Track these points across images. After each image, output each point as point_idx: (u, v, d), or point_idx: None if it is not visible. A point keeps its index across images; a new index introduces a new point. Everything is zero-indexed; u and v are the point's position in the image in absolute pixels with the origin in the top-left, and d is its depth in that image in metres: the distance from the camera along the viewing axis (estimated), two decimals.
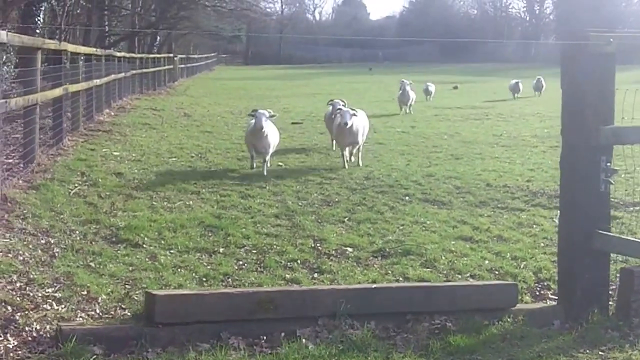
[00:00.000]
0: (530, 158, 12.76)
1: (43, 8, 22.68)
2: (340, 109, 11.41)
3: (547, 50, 72.80)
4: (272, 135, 10.65)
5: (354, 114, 11.05)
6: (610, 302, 5.38)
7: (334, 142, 12.44)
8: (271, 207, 8.33)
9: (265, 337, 4.66)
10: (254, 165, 10.83)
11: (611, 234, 5.41)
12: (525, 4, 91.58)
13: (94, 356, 4.24)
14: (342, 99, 13.48)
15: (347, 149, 11.37)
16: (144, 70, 27.06)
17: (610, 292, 5.47)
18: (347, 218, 7.99)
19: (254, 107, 22.39)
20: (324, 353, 4.50)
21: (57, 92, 11.04)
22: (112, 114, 17.50)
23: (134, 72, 24.00)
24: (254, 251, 6.65)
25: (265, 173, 10.29)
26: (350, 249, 6.81)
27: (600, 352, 4.72)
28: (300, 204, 8.61)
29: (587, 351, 4.73)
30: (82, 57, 14.03)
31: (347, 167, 11.05)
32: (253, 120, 10.46)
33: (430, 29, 77.51)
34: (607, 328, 5.06)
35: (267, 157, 10.54)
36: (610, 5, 67.82)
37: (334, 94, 30.26)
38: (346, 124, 10.80)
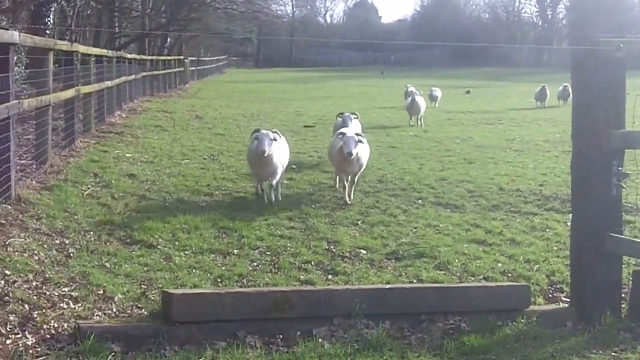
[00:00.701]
0: (543, 162, 12.75)
1: (53, 9, 22.66)
2: (342, 133, 8.99)
3: (559, 55, 72.63)
4: (280, 158, 8.80)
5: (360, 141, 8.81)
6: (622, 304, 5.40)
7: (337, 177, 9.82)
8: (285, 210, 8.35)
9: (281, 336, 4.70)
10: (260, 191, 9.07)
11: (623, 236, 5.44)
12: (538, 8, 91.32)
13: (112, 353, 4.27)
14: (354, 112, 12.29)
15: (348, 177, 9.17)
16: (155, 72, 27.14)
17: (622, 295, 5.48)
18: (360, 221, 8.02)
19: (266, 109, 22.60)
20: (339, 352, 4.54)
21: (70, 93, 11.08)
22: (124, 116, 17.56)
23: (144, 74, 24.08)
24: (268, 253, 6.68)
25: (272, 200, 8.68)
26: (363, 251, 6.83)
27: (612, 353, 4.75)
28: (313, 206, 8.62)
29: (600, 352, 4.75)
30: (93, 59, 14.08)
31: (349, 201, 8.88)
32: (255, 142, 8.55)
33: (442, 33, 77.45)
34: (620, 329, 5.09)
35: (274, 182, 8.74)
36: (624, 10, 67.58)
37: (346, 97, 30.33)
38: (350, 154, 8.55)
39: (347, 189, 8.98)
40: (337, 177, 9.62)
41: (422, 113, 19.29)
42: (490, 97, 32.50)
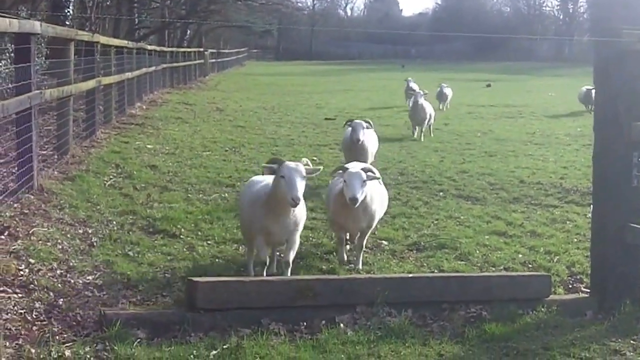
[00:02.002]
0: (564, 156, 12.72)
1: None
2: (344, 168, 6.12)
3: (580, 49, 72.10)
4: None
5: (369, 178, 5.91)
6: None
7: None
8: (306, 201, 8.33)
9: (305, 324, 4.73)
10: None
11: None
12: (559, 2, 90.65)
13: (138, 340, 4.31)
14: (368, 119, 9.74)
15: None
16: (175, 64, 27.20)
17: None
18: None
19: (287, 102, 22.60)
20: (362, 339, 4.58)
21: (91, 84, 11.14)
22: (144, 107, 17.63)
23: (164, 66, 24.14)
24: None
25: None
26: (385, 242, 6.83)
27: (631, 342, 4.77)
28: None
29: (619, 340, 4.77)
30: (114, 50, 14.12)
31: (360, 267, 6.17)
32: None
33: (463, 26, 77.07)
34: (639, 318, 5.10)
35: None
36: None
37: (367, 91, 30.27)
38: (354, 199, 5.76)
39: (355, 253, 6.29)
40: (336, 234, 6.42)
41: (431, 121, 14.91)
42: (511, 90, 32.31)
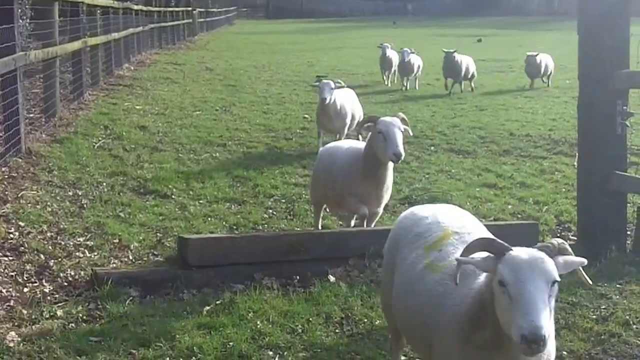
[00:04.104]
0: (553, 108, 12.75)
1: None
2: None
3: (569, 2, 71.60)
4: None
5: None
6: (627, 240, 5.52)
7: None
8: (299, 158, 8.33)
9: (297, 277, 4.74)
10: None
11: (628, 174, 5.54)
12: None
13: (130, 298, 4.29)
14: (339, 80, 8.73)
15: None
16: (163, 24, 26.84)
17: (628, 232, 5.61)
18: None
19: (277, 61, 22.39)
20: (355, 291, 4.58)
21: (77, 45, 10.96)
22: (132, 68, 17.43)
23: (152, 26, 23.82)
24: (283, 200, 6.68)
25: None
26: None
27: (617, 285, 4.86)
28: None
29: (606, 284, 4.85)
30: (99, 10, 13.87)
31: None
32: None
33: None
34: (625, 263, 5.19)
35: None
36: None
37: (359, 48, 30.02)
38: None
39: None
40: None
41: (418, 73, 15.38)
42: (502, 45, 32.12)
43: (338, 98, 8.30)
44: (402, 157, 4.98)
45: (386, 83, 16.09)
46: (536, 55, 15.52)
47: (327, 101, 8.03)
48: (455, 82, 14.86)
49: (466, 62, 14.94)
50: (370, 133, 5.07)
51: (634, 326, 4.27)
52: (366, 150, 5.07)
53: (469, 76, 15.15)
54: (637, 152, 8.07)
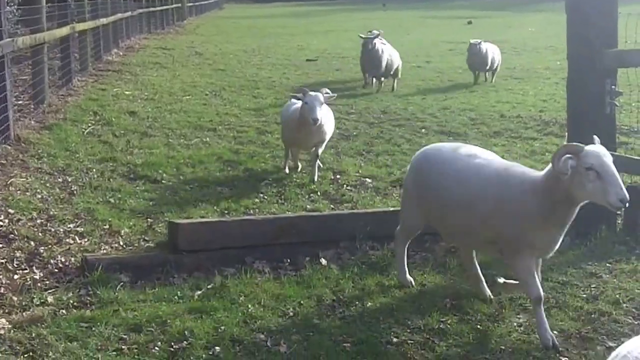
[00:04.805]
0: (543, 89, 12.77)
1: None
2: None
3: None
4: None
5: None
6: (617, 220, 5.53)
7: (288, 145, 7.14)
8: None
9: (289, 261, 4.75)
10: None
11: (616, 153, 5.52)
12: None
13: (121, 283, 4.28)
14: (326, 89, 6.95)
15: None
16: (151, 9, 26.68)
17: (618, 212, 5.54)
18: (365, 150, 8.01)
19: (267, 45, 22.28)
20: (346, 274, 4.59)
21: (65, 31, 10.88)
22: (121, 54, 17.33)
23: (140, 11, 23.68)
24: (274, 184, 6.66)
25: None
26: (369, 180, 6.82)
27: (607, 264, 4.89)
28: None
29: (596, 263, 4.88)
30: None
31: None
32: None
33: None
34: (615, 243, 5.23)
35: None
36: None
37: (349, 31, 29.89)
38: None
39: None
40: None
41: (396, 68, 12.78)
42: (492, 27, 32.05)
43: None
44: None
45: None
46: (479, 44, 13.01)
47: (318, 122, 6.44)
48: (480, 72, 13.40)
49: (492, 51, 13.32)
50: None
51: (624, 305, 4.29)
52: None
53: (495, 67, 13.53)
54: (626, 131, 8.08)
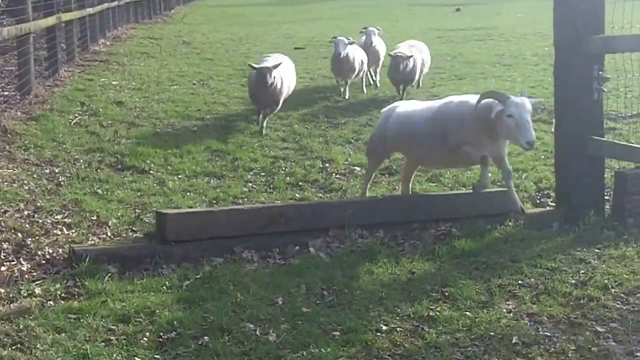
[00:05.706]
0: (531, 76, 12.73)
1: None
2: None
3: None
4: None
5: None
6: (606, 205, 5.58)
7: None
8: (278, 131, 8.28)
9: (278, 250, 4.74)
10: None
11: (604, 139, 5.57)
12: None
13: (109, 274, 4.26)
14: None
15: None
16: None
17: (606, 196, 5.67)
18: (354, 139, 8.01)
19: (255, 33, 22.24)
20: (335, 262, 4.59)
21: (51, 21, 10.79)
22: (108, 43, 17.21)
23: (127, 0, 23.55)
24: (263, 173, 6.65)
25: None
26: (358, 168, 6.82)
27: (596, 250, 4.91)
28: (306, 127, 8.56)
29: (584, 249, 4.90)
30: None
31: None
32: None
33: None
34: (603, 228, 5.25)
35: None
36: None
37: (336, 19, 29.83)
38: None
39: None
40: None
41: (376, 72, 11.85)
42: (480, 13, 32.05)
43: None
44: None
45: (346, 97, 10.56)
46: (408, 57, 10.13)
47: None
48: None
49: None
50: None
51: (613, 290, 4.30)
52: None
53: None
54: (614, 117, 8.08)
